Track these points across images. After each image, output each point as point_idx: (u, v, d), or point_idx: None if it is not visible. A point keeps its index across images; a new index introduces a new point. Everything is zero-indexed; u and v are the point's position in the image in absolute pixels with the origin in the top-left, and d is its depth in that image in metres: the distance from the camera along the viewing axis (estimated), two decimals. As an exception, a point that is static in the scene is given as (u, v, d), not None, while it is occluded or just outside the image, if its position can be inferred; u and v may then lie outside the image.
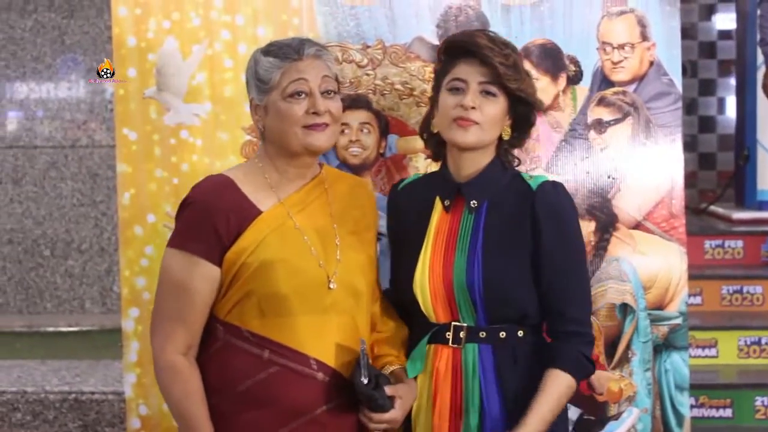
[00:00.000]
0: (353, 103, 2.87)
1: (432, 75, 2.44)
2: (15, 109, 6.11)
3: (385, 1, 2.91)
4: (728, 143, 6.41)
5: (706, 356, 4.36)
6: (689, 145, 6.32)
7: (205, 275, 2.19)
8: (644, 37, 2.91)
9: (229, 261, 2.19)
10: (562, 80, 2.91)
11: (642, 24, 2.91)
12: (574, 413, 2.88)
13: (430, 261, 2.30)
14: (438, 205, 2.35)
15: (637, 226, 2.93)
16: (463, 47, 2.29)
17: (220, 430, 2.20)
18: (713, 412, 4.12)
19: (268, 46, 2.29)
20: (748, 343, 4.36)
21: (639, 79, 2.93)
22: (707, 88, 6.70)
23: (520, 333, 2.28)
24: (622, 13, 2.91)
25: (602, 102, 2.93)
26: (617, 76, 2.93)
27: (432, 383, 2.31)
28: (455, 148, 2.31)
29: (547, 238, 2.25)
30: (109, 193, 5.89)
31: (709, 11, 6.72)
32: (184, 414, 2.20)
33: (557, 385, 2.23)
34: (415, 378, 2.31)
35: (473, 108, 2.24)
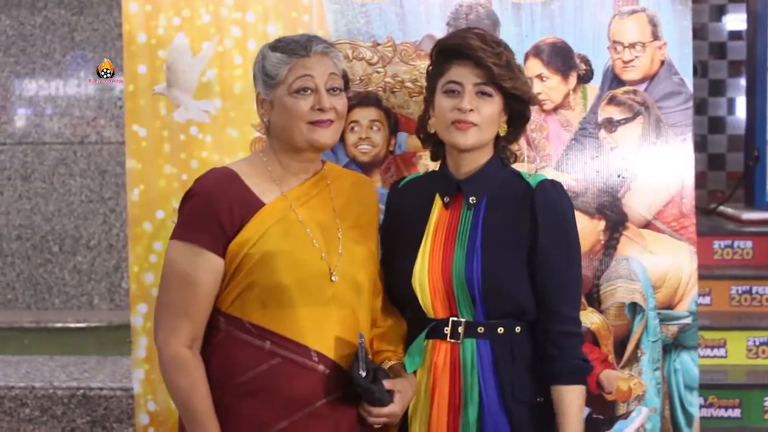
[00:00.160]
0: (363, 100, 2.87)
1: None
2: (24, 105, 6.12)
3: (395, -2, 2.91)
4: (738, 144, 6.40)
5: (715, 356, 4.35)
6: (699, 146, 6.29)
7: (209, 266, 2.20)
8: (655, 36, 2.90)
9: (232, 252, 2.20)
10: (573, 79, 2.91)
11: (653, 23, 2.90)
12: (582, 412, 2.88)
13: (430, 256, 2.31)
14: (438, 202, 2.37)
15: (647, 225, 2.92)
16: (456, 50, 2.29)
17: (222, 422, 2.20)
18: (722, 412, 4.12)
19: (276, 42, 2.30)
20: (757, 343, 4.35)
21: (650, 78, 2.92)
22: (717, 88, 6.68)
23: (518, 328, 2.30)
24: (634, 12, 2.90)
25: (613, 101, 2.92)
26: (628, 75, 2.92)
27: (430, 378, 2.32)
28: (455, 149, 2.32)
29: (545, 235, 2.27)
30: (118, 190, 5.89)
31: (720, 12, 6.69)
32: (189, 407, 2.20)
33: (571, 400, 2.27)
34: (414, 373, 2.32)
35: (471, 110, 2.26)
